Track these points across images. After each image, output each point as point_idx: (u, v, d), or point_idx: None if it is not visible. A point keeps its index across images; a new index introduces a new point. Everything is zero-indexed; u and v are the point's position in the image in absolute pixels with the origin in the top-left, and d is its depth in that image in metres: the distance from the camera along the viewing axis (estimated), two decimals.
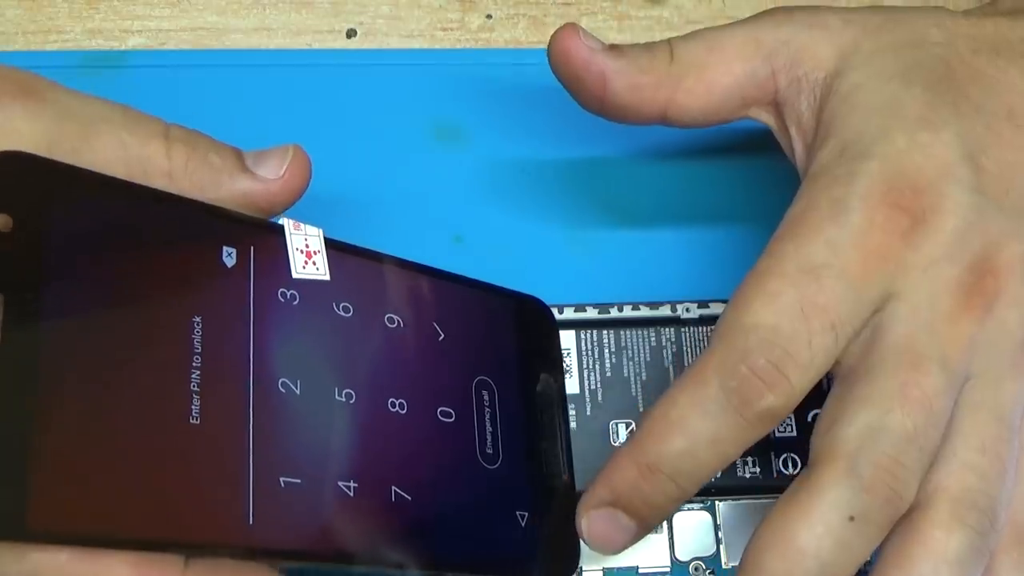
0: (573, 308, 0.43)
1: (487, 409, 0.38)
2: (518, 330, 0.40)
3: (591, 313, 0.43)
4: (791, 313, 0.31)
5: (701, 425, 0.32)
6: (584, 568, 0.40)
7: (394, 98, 0.48)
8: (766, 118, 0.38)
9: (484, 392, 0.38)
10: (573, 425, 0.41)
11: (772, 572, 0.30)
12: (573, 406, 0.42)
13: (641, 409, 0.42)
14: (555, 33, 0.38)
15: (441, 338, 0.37)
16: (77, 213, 0.30)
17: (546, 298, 0.41)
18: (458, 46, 0.49)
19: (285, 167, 0.35)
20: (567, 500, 0.38)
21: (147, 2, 0.49)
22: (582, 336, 0.43)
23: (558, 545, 0.38)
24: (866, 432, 0.31)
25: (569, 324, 0.43)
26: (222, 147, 0.35)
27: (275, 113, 0.47)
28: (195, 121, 0.35)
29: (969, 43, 0.35)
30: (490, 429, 0.37)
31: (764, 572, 0.30)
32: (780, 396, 0.31)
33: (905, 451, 0.30)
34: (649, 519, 0.34)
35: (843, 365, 0.32)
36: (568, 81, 0.39)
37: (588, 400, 0.42)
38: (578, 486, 0.40)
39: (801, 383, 0.31)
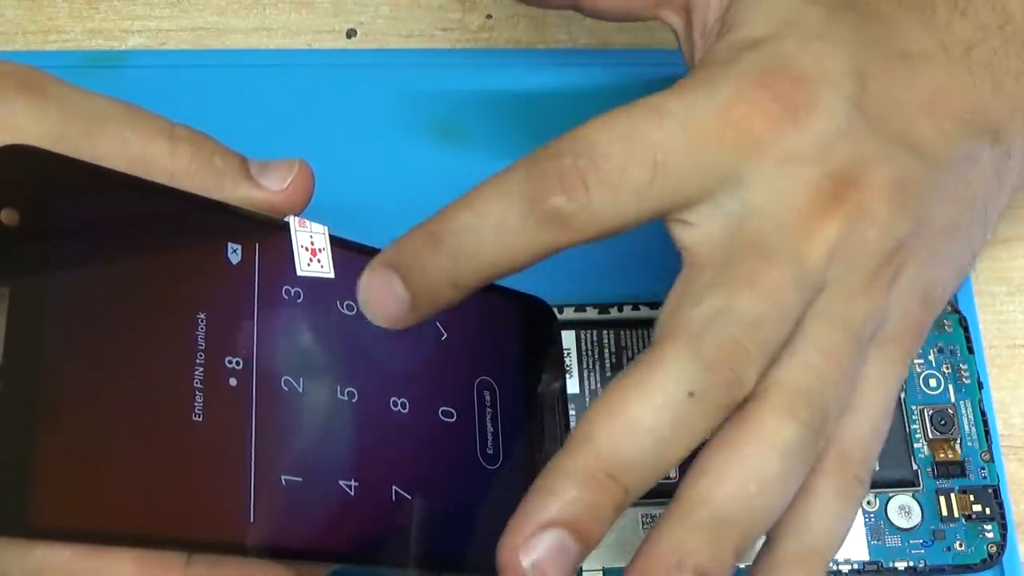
0: (573, 308, 0.43)
1: (488, 409, 0.38)
2: (520, 330, 0.40)
3: (591, 313, 0.43)
4: (616, 134, 0.30)
5: (492, 207, 0.30)
6: (584, 568, 0.40)
7: (394, 98, 0.48)
8: (675, 20, 0.37)
9: (486, 392, 0.38)
10: (573, 425, 0.41)
11: (602, 444, 0.29)
12: (573, 406, 0.42)
13: None
14: None
15: (444, 338, 0.37)
16: (82, 208, 0.30)
17: (546, 298, 0.41)
18: (458, 46, 0.49)
19: (289, 180, 0.35)
20: None
21: (147, 2, 0.50)
22: (582, 336, 0.43)
23: None
24: (712, 312, 0.30)
25: (569, 324, 0.43)
26: (227, 152, 0.35)
27: (275, 113, 0.47)
28: (195, 121, 0.35)
29: None
30: (491, 429, 0.37)
31: (593, 443, 0.29)
32: (572, 202, 0.30)
33: (749, 336, 0.30)
34: (421, 292, 0.31)
35: (690, 251, 0.32)
36: None
37: (588, 400, 0.42)
38: None
39: (601, 201, 0.30)
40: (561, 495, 0.28)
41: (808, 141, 0.31)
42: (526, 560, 0.28)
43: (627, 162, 0.30)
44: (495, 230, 0.30)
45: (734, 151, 0.31)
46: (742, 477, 0.29)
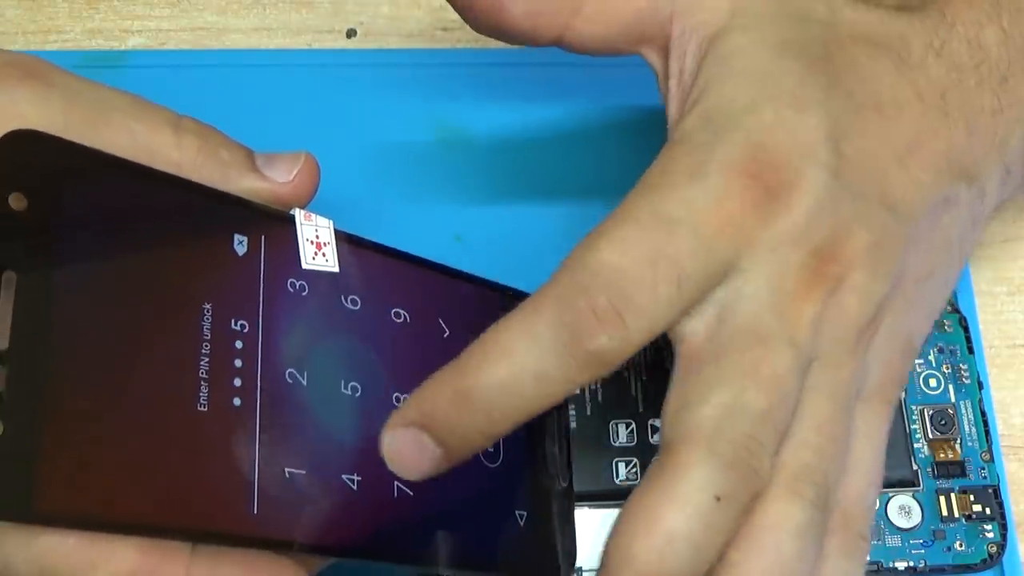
0: None
1: None
2: None
3: None
4: (640, 259, 0.30)
5: (528, 357, 0.30)
6: (583, 568, 0.40)
7: (394, 98, 0.48)
8: (654, 60, 0.37)
9: None
10: (573, 425, 0.41)
11: (644, 559, 0.29)
12: (573, 406, 0.42)
13: (641, 409, 0.42)
14: None
15: (446, 335, 0.37)
16: (90, 195, 0.30)
17: None
18: (458, 46, 0.50)
19: (295, 172, 0.35)
20: (566, 500, 0.39)
21: (147, 2, 0.50)
22: None
23: (555, 544, 0.38)
24: (723, 412, 0.30)
25: None
26: (233, 144, 0.35)
27: (275, 113, 0.47)
28: None
29: (850, 29, 0.35)
30: None
31: (635, 560, 0.29)
32: (614, 339, 0.30)
33: (761, 429, 0.30)
34: (455, 450, 0.31)
35: (687, 343, 0.32)
36: (459, 6, 0.36)
37: (588, 400, 0.42)
38: (578, 486, 0.40)
39: (638, 331, 0.30)
40: None
41: (793, 223, 0.31)
42: None
43: (656, 285, 0.30)
44: (534, 381, 0.30)
45: (732, 245, 0.31)
46: (765, 566, 0.30)
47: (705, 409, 0.30)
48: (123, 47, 0.49)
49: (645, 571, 0.28)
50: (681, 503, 0.29)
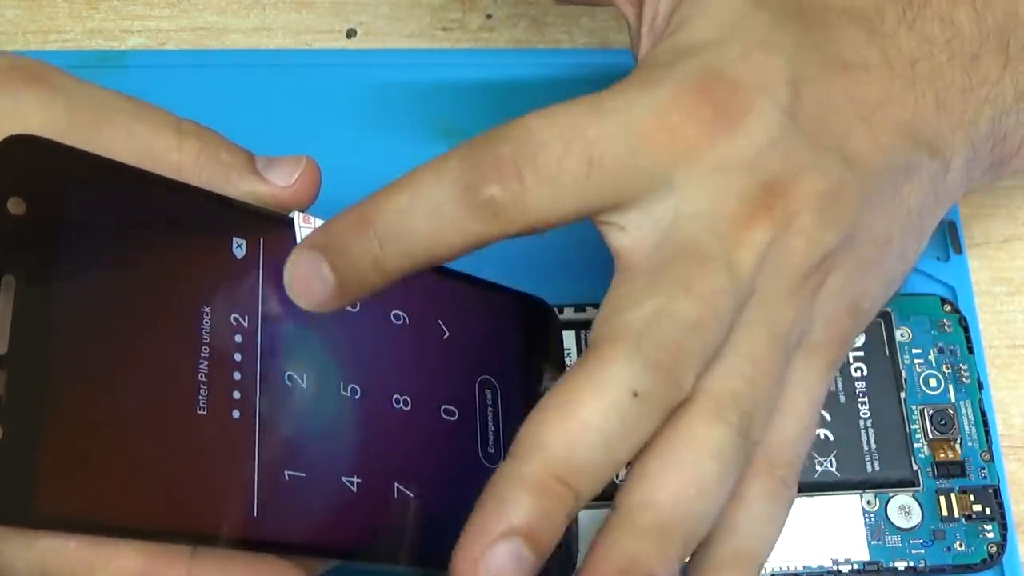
0: (573, 308, 0.43)
1: (490, 408, 0.38)
2: (522, 330, 0.40)
3: (591, 313, 0.43)
4: (554, 129, 0.30)
5: (426, 193, 0.30)
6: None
7: (394, 98, 0.48)
8: (628, 11, 0.37)
9: (487, 391, 0.38)
10: None
11: (553, 448, 0.28)
12: None
13: None
14: None
15: (446, 336, 0.37)
16: (90, 199, 0.30)
17: (546, 298, 0.41)
18: (458, 46, 0.50)
19: (296, 176, 0.35)
20: None
21: (147, 2, 0.50)
22: (582, 336, 0.43)
23: (555, 545, 0.38)
24: (651, 315, 0.30)
25: (569, 324, 0.43)
26: (233, 147, 0.35)
27: (275, 113, 0.47)
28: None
29: None
30: (492, 428, 0.37)
31: (544, 449, 0.28)
32: (507, 192, 0.30)
33: (688, 339, 0.30)
34: (346, 280, 0.31)
35: (623, 257, 0.32)
36: None
37: None
38: None
39: (535, 194, 0.30)
40: (515, 504, 0.28)
41: (740, 150, 0.31)
42: (484, 572, 0.27)
43: (564, 156, 0.30)
44: (426, 216, 0.30)
45: (669, 155, 0.31)
46: (681, 481, 0.29)
47: (635, 312, 0.30)
48: (123, 47, 0.49)
49: (554, 457, 0.28)
50: (597, 394, 0.29)
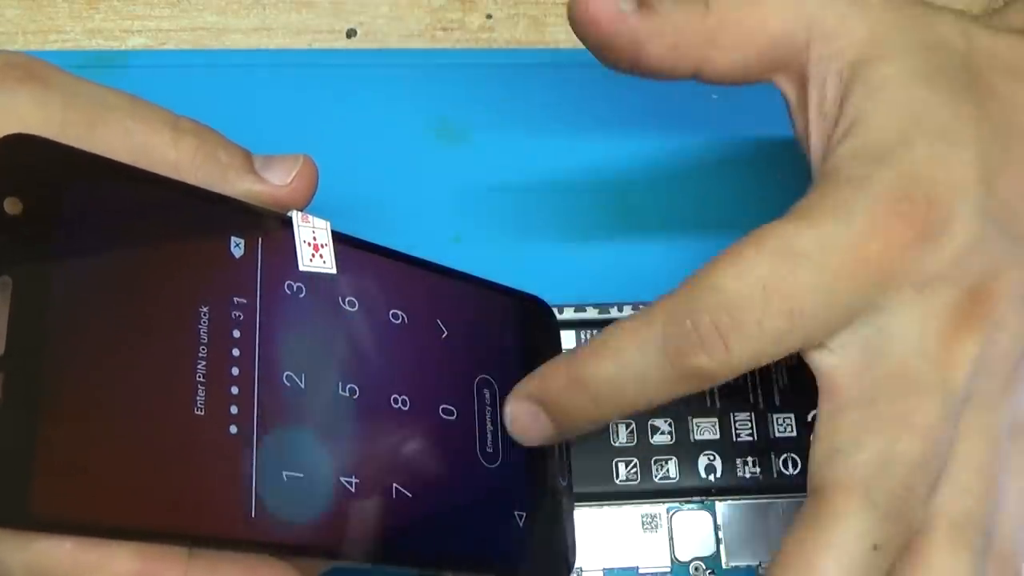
0: (573, 308, 0.43)
1: (488, 408, 0.38)
2: (521, 329, 0.40)
3: (591, 313, 0.43)
4: (752, 285, 0.31)
5: (633, 360, 0.32)
6: (583, 568, 0.40)
7: (394, 98, 0.48)
8: (788, 88, 0.36)
9: (486, 391, 0.38)
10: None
11: None
12: None
13: None
14: None
15: (444, 335, 0.37)
16: (86, 198, 0.30)
17: (546, 298, 0.41)
18: (458, 46, 0.49)
19: (293, 175, 0.35)
20: (566, 500, 0.39)
21: (147, 2, 0.50)
22: (582, 336, 0.43)
23: (555, 545, 0.38)
24: (877, 460, 0.30)
25: (569, 324, 0.43)
26: (231, 145, 0.35)
27: (275, 113, 0.47)
28: None
29: (986, 57, 0.35)
30: (491, 428, 0.37)
31: None
32: (714, 360, 0.31)
33: (916, 478, 0.30)
34: (564, 426, 0.35)
35: (829, 378, 0.32)
36: (595, 47, 0.35)
37: None
38: (577, 486, 0.40)
39: (740, 356, 0.31)
40: None
41: (945, 262, 0.31)
42: None
43: (764, 316, 0.31)
44: (635, 382, 0.33)
45: (872, 285, 0.31)
46: None
47: (859, 456, 0.30)
48: (123, 47, 0.49)
49: None
50: (838, 552, 0.29)
